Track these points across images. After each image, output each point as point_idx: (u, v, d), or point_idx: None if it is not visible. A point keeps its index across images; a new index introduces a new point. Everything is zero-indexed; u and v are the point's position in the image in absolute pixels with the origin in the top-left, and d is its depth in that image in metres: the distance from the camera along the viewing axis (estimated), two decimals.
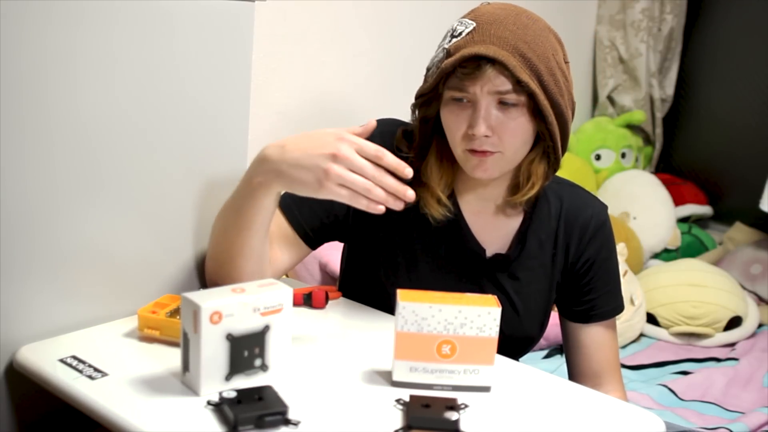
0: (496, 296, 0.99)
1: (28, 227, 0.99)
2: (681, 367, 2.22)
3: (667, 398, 2.01)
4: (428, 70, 1.15)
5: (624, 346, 2.33)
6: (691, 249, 2.99)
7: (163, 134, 1.12)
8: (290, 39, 2.08)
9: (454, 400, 0.93)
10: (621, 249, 2.41)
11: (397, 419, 0.91)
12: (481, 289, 1.22)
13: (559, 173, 1.23)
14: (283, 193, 1.21)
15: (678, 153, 3.45)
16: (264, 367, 0.95)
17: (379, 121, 1.23)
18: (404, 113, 1.23)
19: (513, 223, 1.23)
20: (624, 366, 2.15)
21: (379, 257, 1.23)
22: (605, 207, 1.28)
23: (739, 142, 3.26)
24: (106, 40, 1.02)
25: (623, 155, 3.17)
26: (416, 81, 1.16)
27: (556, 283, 1.26)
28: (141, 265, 1.13)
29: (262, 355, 0.94)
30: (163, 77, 1.10)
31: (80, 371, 0.95)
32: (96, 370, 0.96)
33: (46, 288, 1.03)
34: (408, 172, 0.98)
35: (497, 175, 1.14)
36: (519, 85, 1.06)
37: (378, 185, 0.97)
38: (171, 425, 0.85)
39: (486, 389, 0.98)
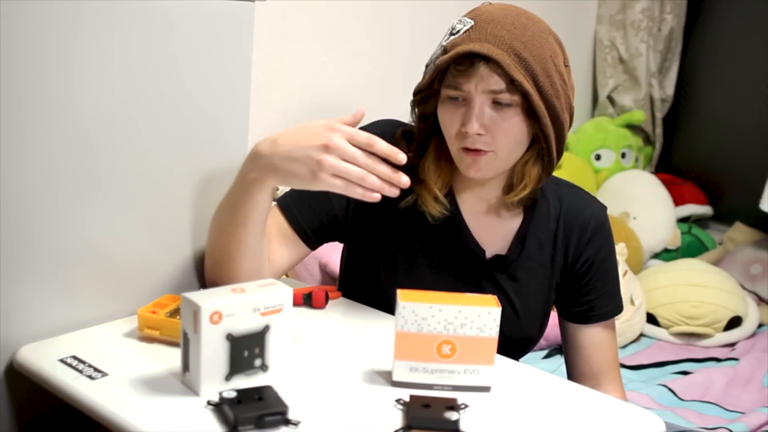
0: (495, 296, 0.99)
1: (28, 227, 0.99)
2: (681, 367, 2.22)
3: (667, 398, 2.01)
4: (427, 67, 1.16)
5: (624, 346, 2.33)
6: (691, 249, 2.99)
7: (163, 134, 1.12)
8: (290, 39, 2.09)
9: (454, 400, 0.93)
10: (621, 249, 2.41)
11: (397, 419, 0.91)
12: (480, 290, 1.22)
13: (560, 173, 1.23)
14: (283, 193, 1.22)
15: (678, 153, 3.45)
16: (264, 367, 0.95)
17: (379, 122, 1.24)
18: (404, 113, 1.23)
19: (512, 223, 1.23)
20: (624, 366, 2.15)
21: (378, 257, 1.23)
22: (604, 208, 1.28)
23: (739, 142, 3.26)
24: (106, 40, 1.02)
25: (623, 155, 3.17)
26: (416, 81, 1.17)
27: (555, 284, 1.26)
28: (141, 265, 1.14)
29: (262, 355, 0.94)
30: (163, 77, 1.10)
31: (80, 371, 0.95)
32: (96, 370, 0.96)
33: (46, 288, 1.03)
34: (401, 157, 0.98)
35: (491, 175, 1.14)
36: (513, 84, 1.06)
37: (372, 173, 0.97)
38: (171, 425, 0.85)
39: (486, 389, 0.98)
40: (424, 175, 1.18)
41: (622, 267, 2.30)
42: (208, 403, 0.89)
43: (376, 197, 0.99)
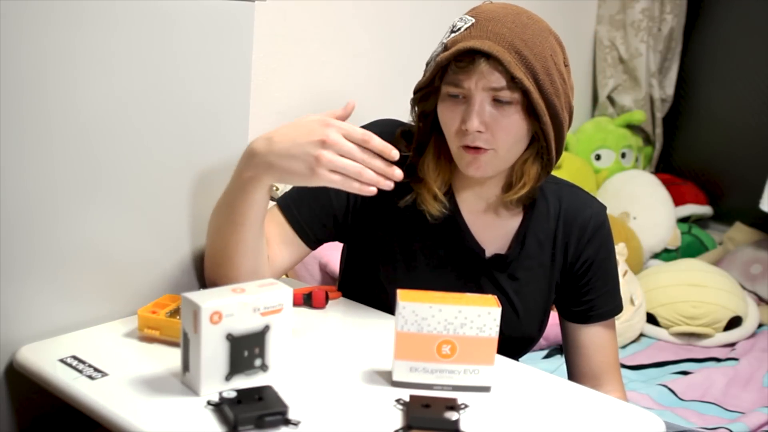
0: (495, 296, 0.99)
1: (28, 227, 0.99)
2: (681, 367, 2.22)
3: (667, 398, 2.01)
4: (427, 64, 1.16)
5: (624, 346, 2.33)
6: (691, 249, 2.99)
7: (163, 134, 1.12)
8: (290, 39, 2.09)
9: (454, 400, 0.93)
10: (621, 249, 2.41)
11: (397, 419, 0.91)
12: (480, 289, 1.22)
13: (560, 173, 1.23)
14: (283, 193, 1.22)
15: (678, 153, 3.45)
16: (264, 367, 0.95)
17: (379, 122, 1.24)
18: (404, 113, 1.23)
19: (512, 223, 1.23)
20: (624, 366, 2.15)
21: (378, 257, 1.23)
22: (604, 207, 1.28)
23: (739, 142, 3.26)
24: (106, 40, 1.02)
25: (623, 155, 3.17)
26: (416, 81, 1.17)
27: (555, 284, 1.26)
28: (141, 265, 1.14)
29: (262, 355, 0.94)
30: (163, 77, 1.10)
31: (80, 371, 0.95)
32: (96, 370, 0.96)
33: (46, 288, 1.03)
34: (394, 153, 0.98)
35: (491, 173, 1.14)
36: (513, 81, 1.06)
37: (367, 168, 0.98)
38: (171, 425, 0.85)
39: (486, 389, 0.98)
40: (423, 173, 1.18)
41: (622, 267, 2.30)
42: (208, 403, 0.89)
43: (372, 191, 0.99)
